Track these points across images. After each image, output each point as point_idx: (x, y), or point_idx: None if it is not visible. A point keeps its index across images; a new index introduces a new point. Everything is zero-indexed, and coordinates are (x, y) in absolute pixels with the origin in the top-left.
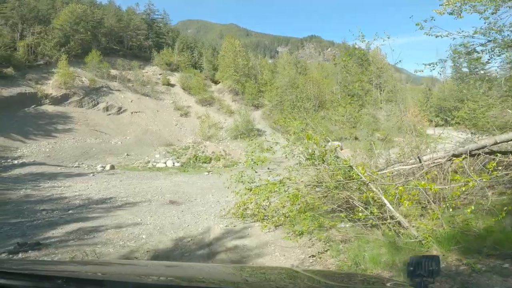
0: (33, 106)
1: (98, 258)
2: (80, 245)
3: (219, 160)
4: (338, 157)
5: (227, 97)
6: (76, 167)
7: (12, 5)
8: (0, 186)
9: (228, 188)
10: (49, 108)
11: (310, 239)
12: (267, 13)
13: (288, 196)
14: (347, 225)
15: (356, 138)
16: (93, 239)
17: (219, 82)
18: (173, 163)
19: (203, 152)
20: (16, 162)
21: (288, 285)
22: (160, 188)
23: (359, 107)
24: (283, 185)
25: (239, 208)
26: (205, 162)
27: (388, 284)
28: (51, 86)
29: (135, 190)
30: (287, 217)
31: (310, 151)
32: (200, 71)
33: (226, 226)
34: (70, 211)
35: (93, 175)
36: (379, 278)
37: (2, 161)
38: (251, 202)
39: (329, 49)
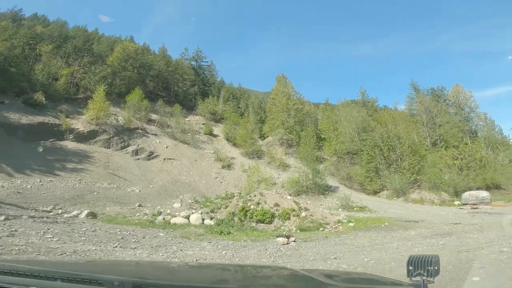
0: (50, 140)
1: None
2: None
3: (289, 218)
4: None
5: (279, 150)
6: (45, 210)
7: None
8: None
9: None
10: (69, 144)
11: None
12: (303, 81)
13: None
14: None
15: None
16: None
17: (267, 137)
18: (202, 219)
19: (258, 203)
20: None
21: (288, 285)
22: None
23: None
24: None
25: None
26: (263, 221)
27: (388, 284)
28: (80, 121)
29: None
30: None
31: None
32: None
33: None
34: None
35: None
36: (379, 278)
37: None
38: None
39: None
